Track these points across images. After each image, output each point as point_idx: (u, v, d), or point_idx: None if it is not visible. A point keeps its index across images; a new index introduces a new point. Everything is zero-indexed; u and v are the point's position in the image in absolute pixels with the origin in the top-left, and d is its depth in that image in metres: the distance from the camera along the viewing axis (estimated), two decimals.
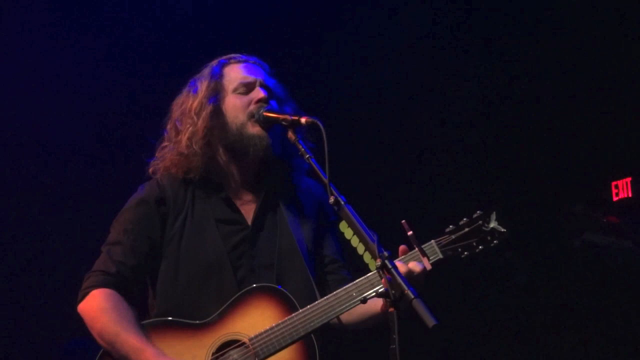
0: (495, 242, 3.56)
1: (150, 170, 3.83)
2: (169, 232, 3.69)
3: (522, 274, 6.31)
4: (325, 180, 3.16)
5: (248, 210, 3.76)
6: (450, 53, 6.36)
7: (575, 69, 6.12)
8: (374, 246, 2.96)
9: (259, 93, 3.72)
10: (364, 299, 3.25)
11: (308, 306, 3.48)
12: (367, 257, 3.10)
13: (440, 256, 3.53)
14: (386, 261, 2.92)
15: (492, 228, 3.55)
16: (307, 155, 3.34)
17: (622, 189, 6.14)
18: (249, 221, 3.73)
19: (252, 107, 3.70)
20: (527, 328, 6.27)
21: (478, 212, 3.59)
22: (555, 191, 6.21)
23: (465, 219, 3.58)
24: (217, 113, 3.73)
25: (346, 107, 6.29)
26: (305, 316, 3.46)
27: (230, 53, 3.92)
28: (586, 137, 6.18)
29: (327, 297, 3.50)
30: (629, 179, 6.13)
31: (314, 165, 3.29)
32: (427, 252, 3.47)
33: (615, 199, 6.13)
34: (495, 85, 6.38)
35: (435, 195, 6.16)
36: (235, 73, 3.81)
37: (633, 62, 6.01)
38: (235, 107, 3.73)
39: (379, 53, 6.35)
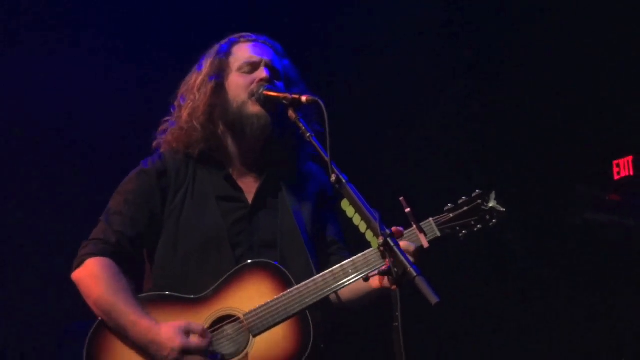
0: (494, 221, 3.56)
1: (154, 144, 3.87)
2: (169, 206, 3.70)
3: (523, 256, 6.31)
4: (327, 159, 3.16)
5: (249, 189, 3.77)
6: (452, 29, 6.34)
7: (576, 46, 6.09)
8: (376, 224, 2.97)
9: (262, 73, 3.73)
10: (366, 276, 3.25)
11: (303, 282, 3.50)
12: (369, 235, 3.07)
13: (438, 234, 3.53)
14: (388, 239, 2.91)
15: (491, 207, 3.55)
16: (308, 134, 3.34)
17: (623, 168, 6.12)
18: (250, 200, 3.74)
19: (253, 86, 3.71)
20: (529, 310, 6.27)
21: (477, 191, 3.58)
22: (556, 170, 6.20)
23: (464, 198, 3.58)
24: (219, 90, 3.74)
25: (347, 85, 6.27)
26: (300, 292, 3.49)
27: (240, 32, 3.92)
28: (587, 116, 6.16)
29: (322, 273, 3.52)
30: (630, 158, 6.11)
31: (315, 144, 3.29)
32: (424, 230, 3.46)
33: (616, 177, 6.11)
34: (497, 63, 6.35)
35: (435, 174, 6.15)
36: (242, 52, 3.82)
37: (634, 40, 5.98)
38: (237, 85, 3.74)
39: (383, 31, 6.33)
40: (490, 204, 3.55)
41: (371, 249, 3.39)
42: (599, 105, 6.13)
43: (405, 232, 3.48)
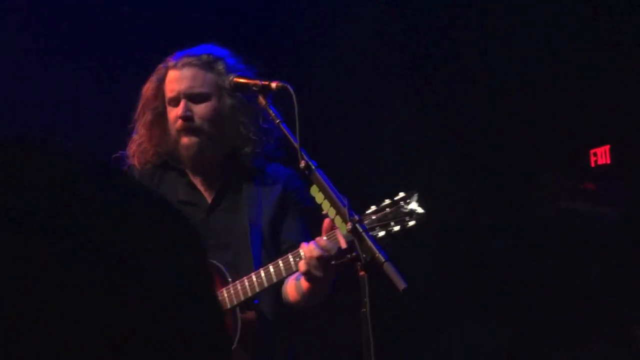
0: (412, 222, 3.46)
1: (118, 155, 3.93)
2: None
3: (499, 240, 6.31)
4: (296, 145, 3.18)
5: (210, 193, 3.85)
6: (426, 16, 6.31)
7: (553, 32, 6.09)
8: (345, 210, 2.99)
9: (179, 110, 3.75)
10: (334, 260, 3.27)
11: (238, 280, 3.55)
12: (337, 221, 3.08)
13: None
14: (357, 225, 2.93)
15: (411, 209, 3.48)
16: (278, 120, 3.36)
17: (600, 156, 6.13)
18: (208, 203, 3.82)
19: (177, 124, 3.75)
20: (502, 293, 6.28)
21: (401, 194, 3.53)
22: (532, 158, 6.20)
23: (387, 201, 3.52)
24: (159, 119, 3.83)
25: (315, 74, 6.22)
26: (229, 292, 3.53)
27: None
28: (565, 104, 6.16)
29: (256, 271, 3.54)
30: (607, 147, 6.11)
31: (285, 130, 3.31)
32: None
33: (593, 165, 6.12)
34: (473, 47, 6.33)
35: (407, 154, 6.09)
36: (168, 82, 3.83)
37: (612, 28, 5.99)
38: (169, 119, 3.81)
39: (357, 17, 6.28)
40: (410, 206, 3.50)
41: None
42: (577, 93, 6.12)
43: (327, 234, 3.42)
